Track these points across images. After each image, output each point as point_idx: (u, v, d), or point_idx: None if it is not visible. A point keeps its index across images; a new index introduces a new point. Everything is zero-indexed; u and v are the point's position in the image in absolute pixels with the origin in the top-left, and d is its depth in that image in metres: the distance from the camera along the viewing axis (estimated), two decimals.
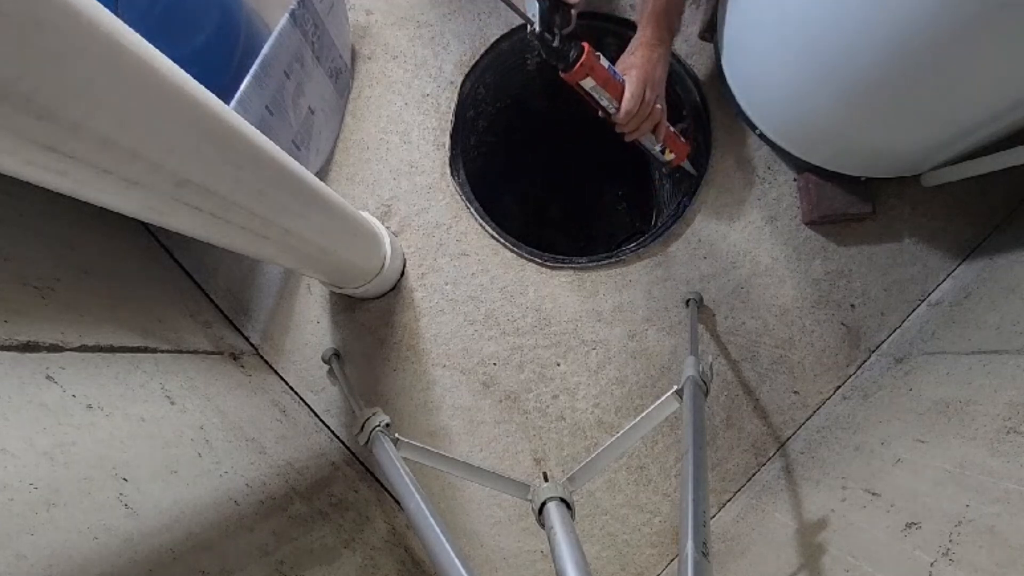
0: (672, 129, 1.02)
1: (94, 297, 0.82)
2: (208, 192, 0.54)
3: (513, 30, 1.18)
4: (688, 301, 1.06)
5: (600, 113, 0.96)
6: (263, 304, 1.13)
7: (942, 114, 0.83)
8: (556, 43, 0.87)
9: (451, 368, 1.09)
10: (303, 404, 1.10)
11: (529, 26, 0.87)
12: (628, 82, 0.91)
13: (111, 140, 0.42)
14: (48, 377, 0.62)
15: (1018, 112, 0.78)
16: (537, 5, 0.85)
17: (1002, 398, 0.72)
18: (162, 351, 0.85)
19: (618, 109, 0.92)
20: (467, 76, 1.17)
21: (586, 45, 0.88)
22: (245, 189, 0.59)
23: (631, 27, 1.16)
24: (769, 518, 0.94)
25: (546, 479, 0.63)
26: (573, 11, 0.88)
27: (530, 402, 1.08)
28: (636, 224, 1.71)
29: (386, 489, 1.10)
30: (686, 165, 1.09)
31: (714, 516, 1.07)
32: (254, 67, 0.87)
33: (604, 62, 0.90)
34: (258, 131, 0.62)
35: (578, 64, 0.87)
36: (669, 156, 1.02)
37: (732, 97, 1.07)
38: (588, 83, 0.90)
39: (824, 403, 1.07)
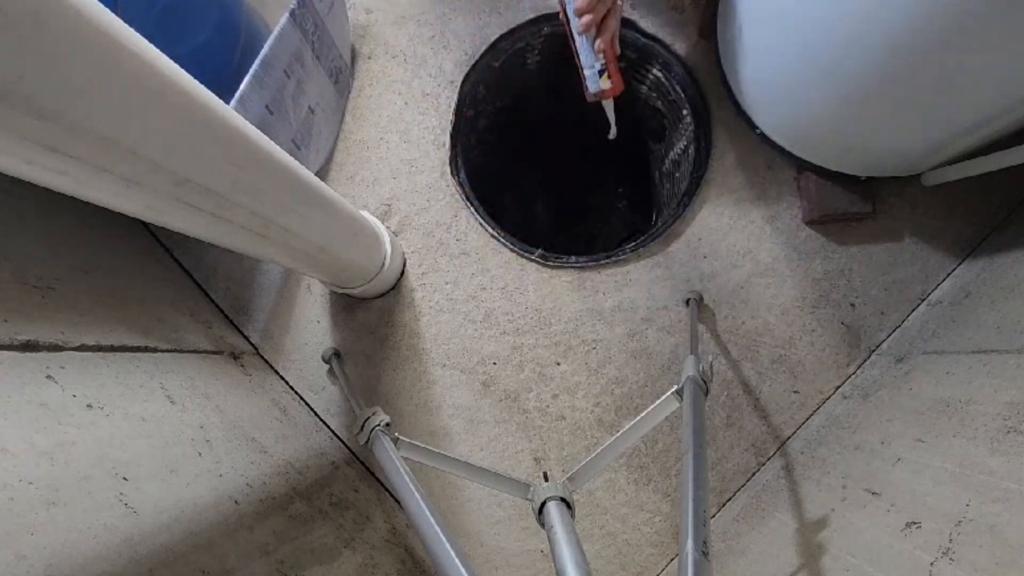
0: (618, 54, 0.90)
1: (94, 297, 0.82)
2: (208, 191, 0.54)
3: (513, 30, 1.18)
4: (688, 301, 1.06)
5: None
6: (263, 304, 1.13)
7: (941, 114, 0.83)
8: None
9: (451, 368, 1.09)
10: (303, 404, 1.10)
11: None
12: None
13: (111, 140, 0.42)
14: (48, 376, 0.62)
15: (1017, 112, 0.78)
16: None
17: (1002, 398, 0.72)
18: (162, 350, 0.85)
19: None
20: (467, 75, 1.17)
21: None
22: (245, 188, 0.59)
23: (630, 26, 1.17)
24: (769, 517, 0.94)
25: (546, 479, 0.63)
26: None
27: (530, 401, 1.08)
28: (636, 224, 1.71)
29: (386, 489, 1.10)
30: (609, 110, 0.95)
31: (714, 515, 1.07)
32: (254, 66, 0.87)
33: None
34: (258, 130, 0.62)
35: None
36: (605, 83, 0.89)
37: (732, 97, 1.07)
38: None
39: (824, 402, 1.07)
